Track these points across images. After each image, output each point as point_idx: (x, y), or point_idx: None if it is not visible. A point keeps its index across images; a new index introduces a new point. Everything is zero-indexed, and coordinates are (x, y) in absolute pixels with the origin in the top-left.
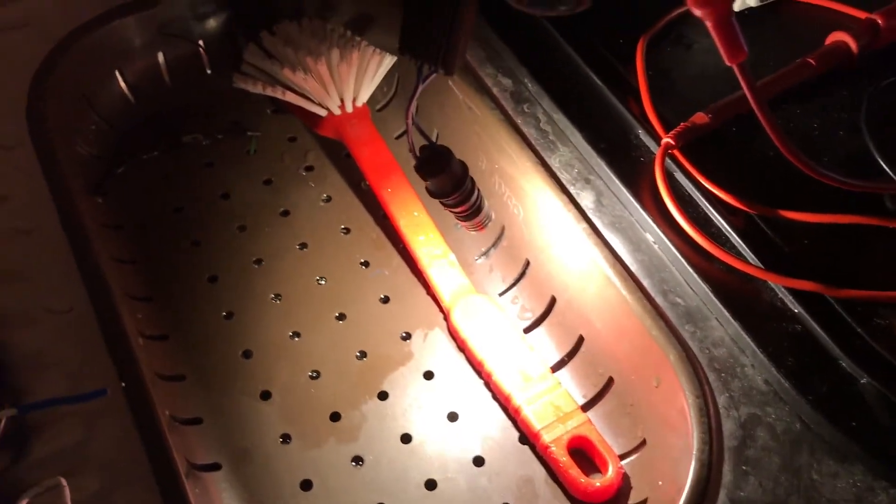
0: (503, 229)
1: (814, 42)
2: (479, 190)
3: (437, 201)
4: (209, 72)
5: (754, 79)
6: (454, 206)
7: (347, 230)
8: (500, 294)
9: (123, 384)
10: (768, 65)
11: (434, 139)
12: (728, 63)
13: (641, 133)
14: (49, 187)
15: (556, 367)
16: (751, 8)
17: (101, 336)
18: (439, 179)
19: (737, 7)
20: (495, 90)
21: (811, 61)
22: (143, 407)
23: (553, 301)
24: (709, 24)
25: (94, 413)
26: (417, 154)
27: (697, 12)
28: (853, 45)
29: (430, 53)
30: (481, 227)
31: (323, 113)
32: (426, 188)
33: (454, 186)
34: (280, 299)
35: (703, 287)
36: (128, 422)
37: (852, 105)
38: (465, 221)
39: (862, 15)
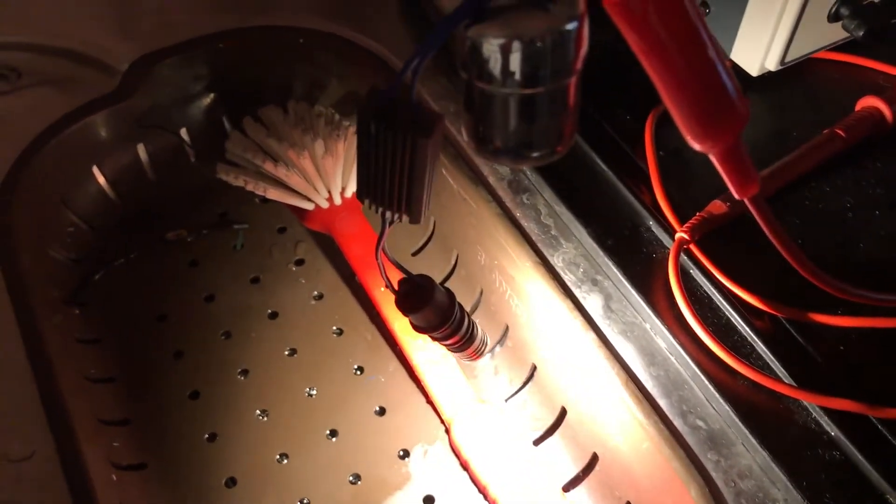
0: (507, 329)
1: (843, 104)
2: (469, 316)
3: None
4: (193, 160)
5: (769, 209)
6: (443, 340)
7: (340, 331)
8: (507, 399)
9: None
10: (792, 134)
11: (431, 230)
12: (738, 198)
13: (653, 225)
14: (13, 308)
15: (570, 486)
16: (770, 72)
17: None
18: (423, 314)
19: (755, 72)
20: (492, 179)
21: (840, 132)
22: None
23: (564, 412)
24: (713, 158)
25: None
26: (396, 289)
27: (698, 147)
28: (887, 110)
29: (391, 202)
30: (476, 356)
31: (310, 206)
32: (410, 324)
33: (441, 320)
34: (267, 416)
35: (726, 408)
36: None
37: (888, 179)
38: (457, 353)
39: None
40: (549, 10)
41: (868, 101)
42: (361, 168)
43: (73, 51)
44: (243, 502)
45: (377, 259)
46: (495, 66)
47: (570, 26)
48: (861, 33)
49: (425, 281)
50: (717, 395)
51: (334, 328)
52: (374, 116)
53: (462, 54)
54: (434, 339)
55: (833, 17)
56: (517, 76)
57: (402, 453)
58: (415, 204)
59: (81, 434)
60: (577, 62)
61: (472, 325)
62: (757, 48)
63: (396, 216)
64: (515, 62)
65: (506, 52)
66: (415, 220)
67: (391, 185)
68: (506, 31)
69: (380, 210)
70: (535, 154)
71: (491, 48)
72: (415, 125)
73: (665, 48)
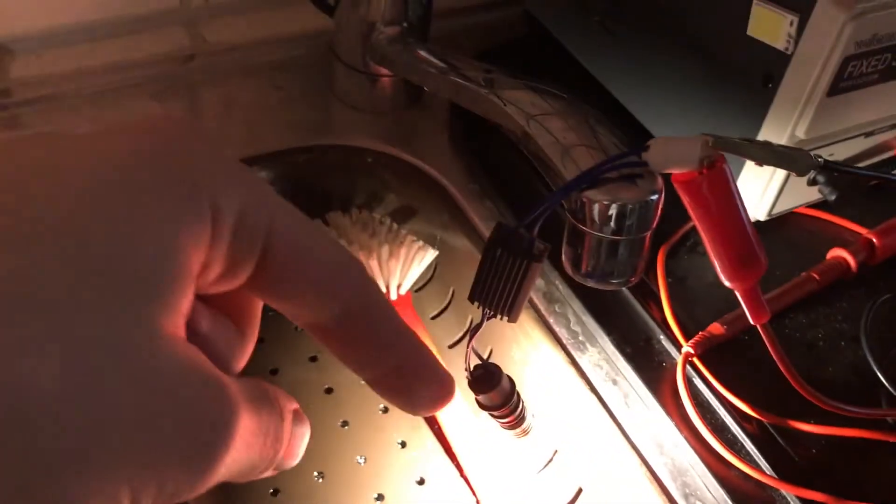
0: (533, 417)
1: (816, 251)
2: (523, 402)
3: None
4: None
5: (776, 338)
6: (501, 417)
7: (386, 409)
8: (531, 477)
9: None
10: (775, 274)
11: (467, 327)
12: (754, 323)
13: (663, 338)
14: None
15: None
16: (759, 221)
17: None
18: (490, 395)
19: None
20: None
21: (815, 276)
22: None
23: (579, 492)
24: (738, 293)
25: None
26: (472, 372)
27: (729, 284)
28: (852, 261)
29: (497, 305)
30: (524, 434)
31: None
32: (476, 401)
33: (503, 401)
34: (323, 477)
35: (722, 492)
36: None
37: (852, 317)
38: (509, 429)
39: (860, 229)
40: (637, 184)
41: (836, 252)
42: (479, 278)
43: None
44: None
45: (467, 347)
46: (599, 218)
47: (653, 197)
48: (833, 197)
49: (495, 368)
50: (714, 482)
51: (381, 406)
52: (499, 243)
53: (575, 206)
54: (493, 416)
55: (811, 182)
56: (612, 226)
57: None
58: (516, 308)
59: None
60: (654, 221)
61: (524, 409)
62: (749, 203)
63: (498, 316)
64: (613, 218)
65: (607, 210)
66: (513, 320)
67: (500, 293)
68: (609, 197)
69: (484, 309)
70: (615, 280)
71: (597, 207)
72: (529, 253)
73: (714, 214)
